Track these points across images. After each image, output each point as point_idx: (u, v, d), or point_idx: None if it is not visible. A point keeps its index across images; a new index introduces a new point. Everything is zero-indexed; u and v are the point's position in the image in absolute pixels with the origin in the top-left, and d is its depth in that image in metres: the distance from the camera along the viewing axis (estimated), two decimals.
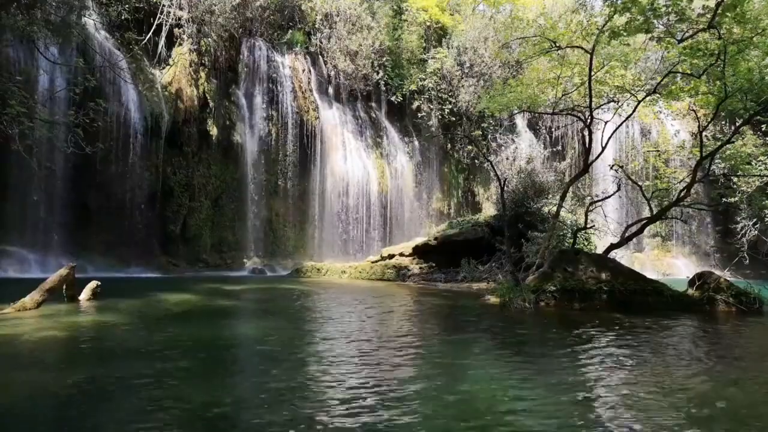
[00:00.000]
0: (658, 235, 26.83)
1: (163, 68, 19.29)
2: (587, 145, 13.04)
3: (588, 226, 12.87)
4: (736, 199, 19.42)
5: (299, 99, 22.27)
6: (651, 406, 3.73)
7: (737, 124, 12.71)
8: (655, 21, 10.18)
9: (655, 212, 12.46)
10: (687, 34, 10.62)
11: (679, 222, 21.83)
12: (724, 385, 4.41)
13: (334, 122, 23.38)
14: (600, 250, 12.48)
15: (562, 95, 13.87)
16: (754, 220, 21.13)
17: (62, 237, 15.87)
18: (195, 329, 6.72)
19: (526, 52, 14.27)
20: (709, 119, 12.92)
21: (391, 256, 17.86)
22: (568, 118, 23.01)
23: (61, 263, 10.62)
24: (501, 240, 14.18)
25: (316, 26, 23.74)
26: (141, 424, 3.20)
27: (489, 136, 26.19)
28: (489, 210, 23.89)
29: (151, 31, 18.72)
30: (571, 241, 12.79)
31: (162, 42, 19.15)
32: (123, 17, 18.10)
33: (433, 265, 16.56)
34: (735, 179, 18.92)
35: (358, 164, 23.36)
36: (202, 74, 20.08)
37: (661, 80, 11.73)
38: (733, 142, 14.42)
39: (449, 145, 26.95)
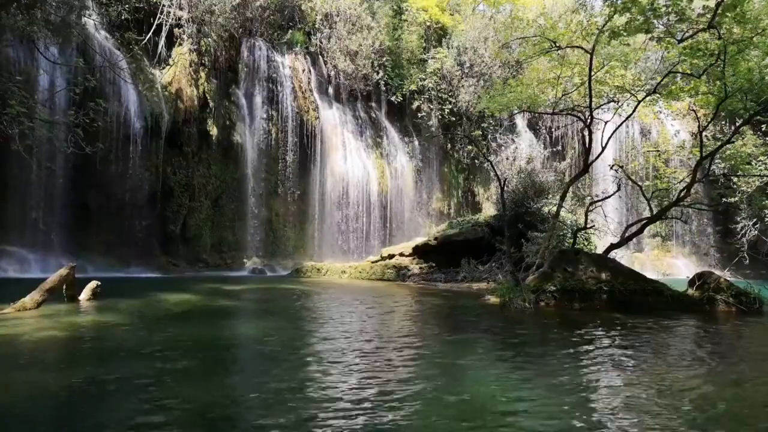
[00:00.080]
0: (658, 235, 26.83)
1: (163, 68, 19.29)
2: (587, 145, 13.04)
3: (588, 226, 12.87)
4: (736, 199, 19.41)
5: (299, 99, 22.27)
6: (652, 407, 3.73)
7: (737, 124, 12.71)
8: (655, 21, 10.18)
9: (655, 212, 12.46)
10: (687, 34, 10.62)
11: (679, 222, 21.83)
12: (725, 386, 4.41)
13: (334, 122, 23.38)
14: (600, 250, 12.47)
15: (562, 95, 13.87)
16: (754, 220, 21.13)
17: (62, 237, 15.87)
18: (195, 329, 6.72)
19: (526, 52, 14.27)
20: (709, 119, 12.91)
21: (391, 256, 17.86)
22: (568, 118, 23.01)
23: (61, 263, 10.62)
24: (501, 240, 14.18)
25: (316, 26, 23.74)
26: (141, 425, 3.20)
27: (489, 136, 26.19)
28: (489, 210, 23.89)
29: (151, 31, 18.72)
30: (571, 241, 12.79)
31: (162, 42, 19.15)
32: (123, 17, 18.10)
33: (433, 265, 16.56)
34: (735, 179, 18.92)
35: (358, 164, 23.36)
36: (202, 74, 20.08)
37: (661, 80, 11.73)
38: (733, 142, 14.42)
39: (449, 145, 26.95)
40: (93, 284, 8.86)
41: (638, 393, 4.06)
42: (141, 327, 6.80)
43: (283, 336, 6.43)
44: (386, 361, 5.03)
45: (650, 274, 12.98)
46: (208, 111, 20.04)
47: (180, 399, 3.72)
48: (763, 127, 19.42)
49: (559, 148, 27.64)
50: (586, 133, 12.76)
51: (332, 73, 23.91)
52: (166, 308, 8.54)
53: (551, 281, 9.66)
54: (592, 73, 11.38)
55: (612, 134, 12.70)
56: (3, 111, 11.16)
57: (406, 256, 17.52)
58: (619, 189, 13.34)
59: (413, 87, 25.20)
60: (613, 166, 13.72)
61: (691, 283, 10.07)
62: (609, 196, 13.46)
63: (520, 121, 27.86)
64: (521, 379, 4.46)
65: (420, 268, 16.59)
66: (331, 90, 24.08)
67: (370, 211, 23.23)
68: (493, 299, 10.01)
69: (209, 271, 18.63)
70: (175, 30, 19.51)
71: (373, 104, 25.55)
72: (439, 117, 25.85)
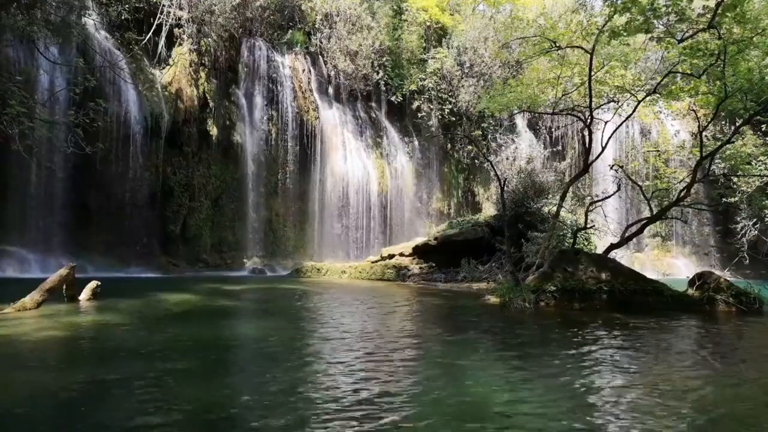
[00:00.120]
0: (658, 235, 26.84)
1: (163, 68, 19.29)
2: (587, 145, 13.04)
3: (588, 226, 12.87)
4: (736, 199, 19.41)
5: (299, 99, 22.27)
6: (653, 408, 3.73)
7: (737, 124, 12.70)
8: (655, 21, 10.18)
9: (655, 212, 12.46)
10: (687, 34, 10.62)
11: (679, 222, 21.82)
12: (726, 386, 4.41)
13: (334, 122, 23.38)
14: (600, 250, 12.47)
15: (562, 95, 13.87)
16: (754, 220, 21.12)
17: (62, 237, 15.87)
18: (195, 329, 6.71)
19: (526, 52, 14.27)
20: (709, 119, 12.91)
21: (391, 256, 17.86)
22: (568, 118, 23.01)
23: (61, 263, 10.61)
24: (501, 240, 14.18)
25: (316, 26, 23.74)
26: (141, 425, 3.20)
27: (489, 136, 26.19)
28: (489, 210, 23.89)
29: (151, 31, 18.72)
30: (571, 241, 12.79)
31: (162, 42, 19.15)
32: (123, 17, 18.10)
33: (433, 265, 16.56)
34: (735, 179, 18.92)
35: (358, 164, 23.36)
36: (202, 74, 20.08)
37: (661, 80, 11.73)
38: (733, 142, 14.42)
39: (449, 145, 26.95)
40: (93, 284, 8.85)
41: (639, 394, 4.05)
42: (141, 327, 6.79)
43: (283, 336, 6.42)
44: (386, 362, 5.02)
45: (650, 274, 12.97)
46: (208, 111, 20.04)
47: (180, 399, 3.72)
48: (763, 127, 19.43)
49: (559, 148, 27.64)
50: (586, 133, 12.76)
51: (332, 73, 23.92)
52: (166, 308, 8.53)
53: (551, 281, 9.65)
54: (592, 73, 11.38)
55: (612, 134, 12.70)
56: (3, 111, 11.16)
57: (406, 256, 17.52)
58: (619, 189, 13.34)
59: (413, 87, 25.21)
60: (613, 166, 13.72)
61: (691, 283, 10.06)
62: (609, 196, 13.45)
63: (520, 121, 27.87)
64: (521, 379, 4.46)
65: (420, 268, 16.59)
66: (331, 90, 24.09)
67: (370, 211, 23.23)
68: (493, 299, 10.00)
69: (209, 271, 18.63)
70: (175, 30, 19.52)
71: (373, 104, 25.55)
72: (439, 117, 25.85)
